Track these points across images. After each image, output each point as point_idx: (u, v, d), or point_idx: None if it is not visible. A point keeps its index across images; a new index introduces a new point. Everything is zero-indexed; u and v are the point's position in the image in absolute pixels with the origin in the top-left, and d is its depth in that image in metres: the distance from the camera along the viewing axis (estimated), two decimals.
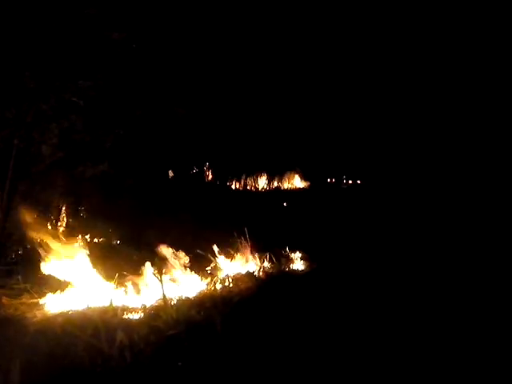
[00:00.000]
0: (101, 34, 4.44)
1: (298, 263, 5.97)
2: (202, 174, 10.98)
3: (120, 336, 3.33)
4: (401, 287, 5.09)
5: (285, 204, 10.12)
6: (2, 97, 4.20)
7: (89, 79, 4.44)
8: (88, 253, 4.73)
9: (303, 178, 12.86)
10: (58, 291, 4.43)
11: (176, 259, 5.02)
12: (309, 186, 12.55)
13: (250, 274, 5.27)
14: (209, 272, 5.32)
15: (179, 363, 3.09)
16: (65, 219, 5.78)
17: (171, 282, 4.71)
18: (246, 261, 5.69)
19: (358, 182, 12.42)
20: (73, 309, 4.08)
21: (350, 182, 12.34)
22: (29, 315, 3.95)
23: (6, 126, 4.31)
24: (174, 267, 4.94)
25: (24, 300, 4.35)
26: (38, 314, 3.98)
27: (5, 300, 4.25)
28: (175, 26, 6.48)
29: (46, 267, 4.76)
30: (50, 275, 4.68)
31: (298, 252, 6.10)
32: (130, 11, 4.73)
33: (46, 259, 4.87)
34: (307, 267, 5.89)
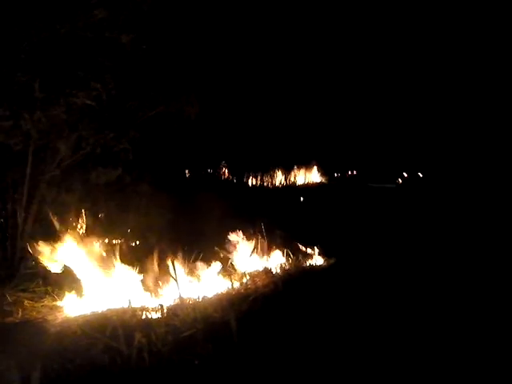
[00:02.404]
0: (108, 37, 4.48)
1: (315, 258, 5.94)
2: (219, 172, 11.03)
3: (138, 336, 3.37)
4: (418, 281, 5.03)
5: (302, 199, 10.11)
6: (14, 105, 4.28)
7: (98, 83, 4.48)
8: (107, 255, 4.79)
9: (320, 172, 12.86)
10: (79, 293, 4.51)
11: (194, 258, 5.05)
12: (326, 180, 12.59)
13: (267, 271, 5.26)
14: (226, 269, 5.32)
15: (196, 362, 3.11)
16: (83, 222, 5.86)
17: (188, 281, 4.74)
18: (263, 257, 5.70)
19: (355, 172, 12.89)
20: (93, 310, 4.14)
21: (350, 172, 12.87)
22: (50, 318, 4.03)
23: (19, 133, 4.39)
24: (191, 266, 4.97)
25: (46, 303, 4.43)
26: (59, 317, 4.06)
27: (27, 303, 4.34)
28: (184, 24, 6.48)
29: (67, 270, 4.86)
30: (70, 278, 4.76)
31: (315, 247, 6.06)
32: (137, 12, 4.74)
33: (67, 262, 4.97)
34: (325, 262, 5.85)
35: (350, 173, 13.22)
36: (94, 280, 4.59)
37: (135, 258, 5.01)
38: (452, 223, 7.46)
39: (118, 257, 4.75)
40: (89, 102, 4.62)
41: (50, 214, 5.17)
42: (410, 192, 9.12)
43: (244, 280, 5.01)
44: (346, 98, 13.29)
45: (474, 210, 8.24)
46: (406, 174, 10.58)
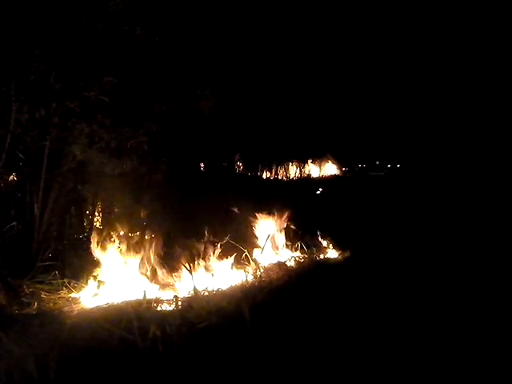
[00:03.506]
0: (123, 29, 4.47)
1: (330, 251, 5.90)
2: (233, 166, 11.03)
3: (153, 329, 3.38)
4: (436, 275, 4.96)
5: (319, 191, 10.14)
6: (29, 98, 4.31)
7: (113, 76, 4.48)
8: (122, 247, 4.82)
9: (336, 164, 12.88)
10: (95, 286, 4.55)
11: (208, 251, 5.05)
12: (341, 173, 12.63)
13: (281, 264, 5.24)
14: (240, 262, 5.31)
15: (210, 354, 3.11)
16: (99, 215, 5.91)
17: (203, 274, 4.75)
18: (277, 250, 5.67)
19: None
20: (109, 302, 4.17)
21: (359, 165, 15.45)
22: (66, 309, 4.08)
23: (35, 127, 4.43)
24: (205, 259, 4.98)
25: (62, 294, 4.48)
26: (75, 308, 4.10)
27: (44, 295, 4.39)
28: (199, 16, 6.45)
29: (83, 262, 4.92)
30: (86, 270, 4.81)
31: (329, 240, 6.01)
32: (150, 4, 4.72)
33: (83, 254, 5.02)
34: (340, 255, 5.80)
35: (360, 165, 15.53)
36: (110, 272, 4.63)
37: (150, 250, 5.01)
38: (425, 199, 9.64)
39: (133, 249, 4.78)
40: (102, 97, 4.64)
41: (66, 207, 5.25)
42: (393, 177, 13.71)
43: (258, 273, 4.99)
44: (356, 99, 14.07)
45: (439, 187, 11.05)
46: (389, 165, 15.25)
